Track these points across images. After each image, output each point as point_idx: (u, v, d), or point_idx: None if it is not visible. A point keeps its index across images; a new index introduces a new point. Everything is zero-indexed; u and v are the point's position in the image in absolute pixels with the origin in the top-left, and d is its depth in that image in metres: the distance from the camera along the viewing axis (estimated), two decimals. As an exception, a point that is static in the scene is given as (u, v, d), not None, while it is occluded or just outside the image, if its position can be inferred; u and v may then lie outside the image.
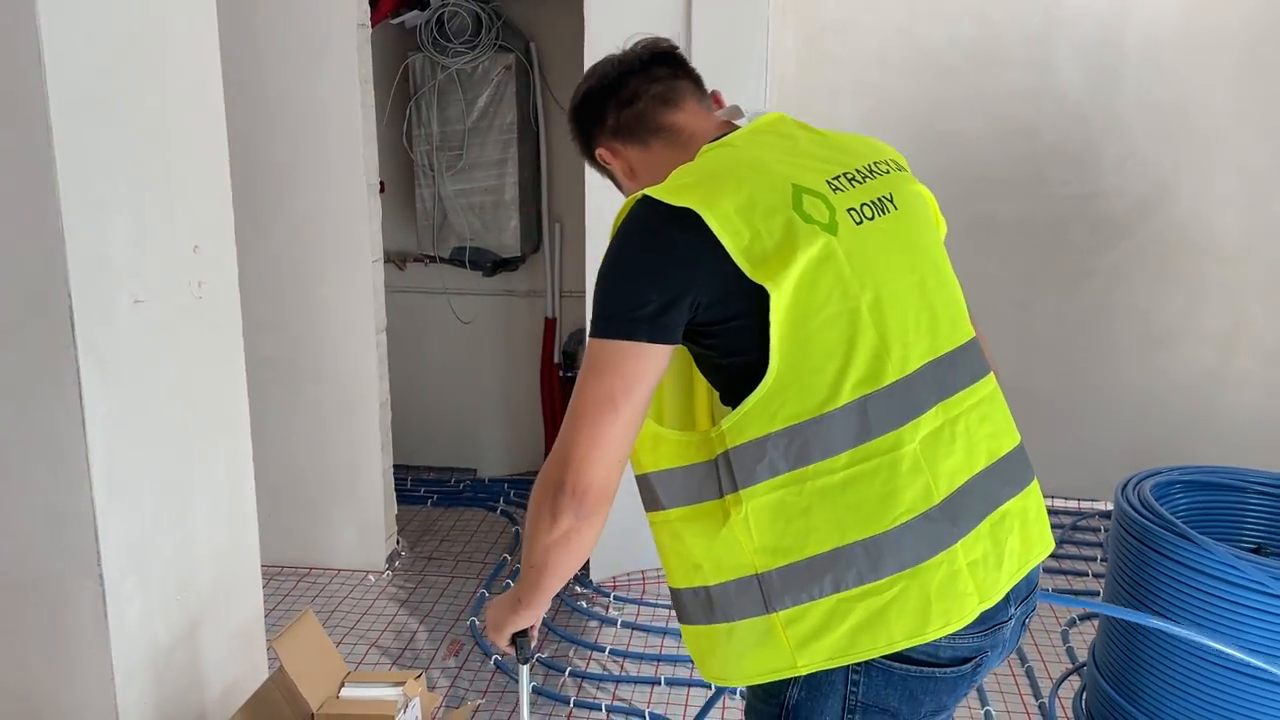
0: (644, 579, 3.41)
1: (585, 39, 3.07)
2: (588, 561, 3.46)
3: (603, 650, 3.02)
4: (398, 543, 3.68)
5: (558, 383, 4.27)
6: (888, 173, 1.36)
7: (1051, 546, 1.39)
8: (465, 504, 4.15)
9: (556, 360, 4.26)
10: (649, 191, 1.24)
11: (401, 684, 2.03)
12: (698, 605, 1.31)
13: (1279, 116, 3.69)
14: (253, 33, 3.18)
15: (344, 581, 3.48)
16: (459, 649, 3.07)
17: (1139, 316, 3.91)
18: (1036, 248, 3.93)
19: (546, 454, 4.37)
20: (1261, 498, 2.38)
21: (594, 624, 3.20)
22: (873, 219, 1.28)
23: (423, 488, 4.25)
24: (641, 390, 1.22)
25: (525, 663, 1.55)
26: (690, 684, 2.87)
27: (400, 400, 4.15)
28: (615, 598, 3.33)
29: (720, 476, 1.24)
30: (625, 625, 3.18)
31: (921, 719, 1.28)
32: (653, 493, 1.32)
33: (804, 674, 1.24)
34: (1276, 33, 3.63)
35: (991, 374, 1.38)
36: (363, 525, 3.52)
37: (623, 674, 2.93)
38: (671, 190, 1.23)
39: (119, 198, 1.81)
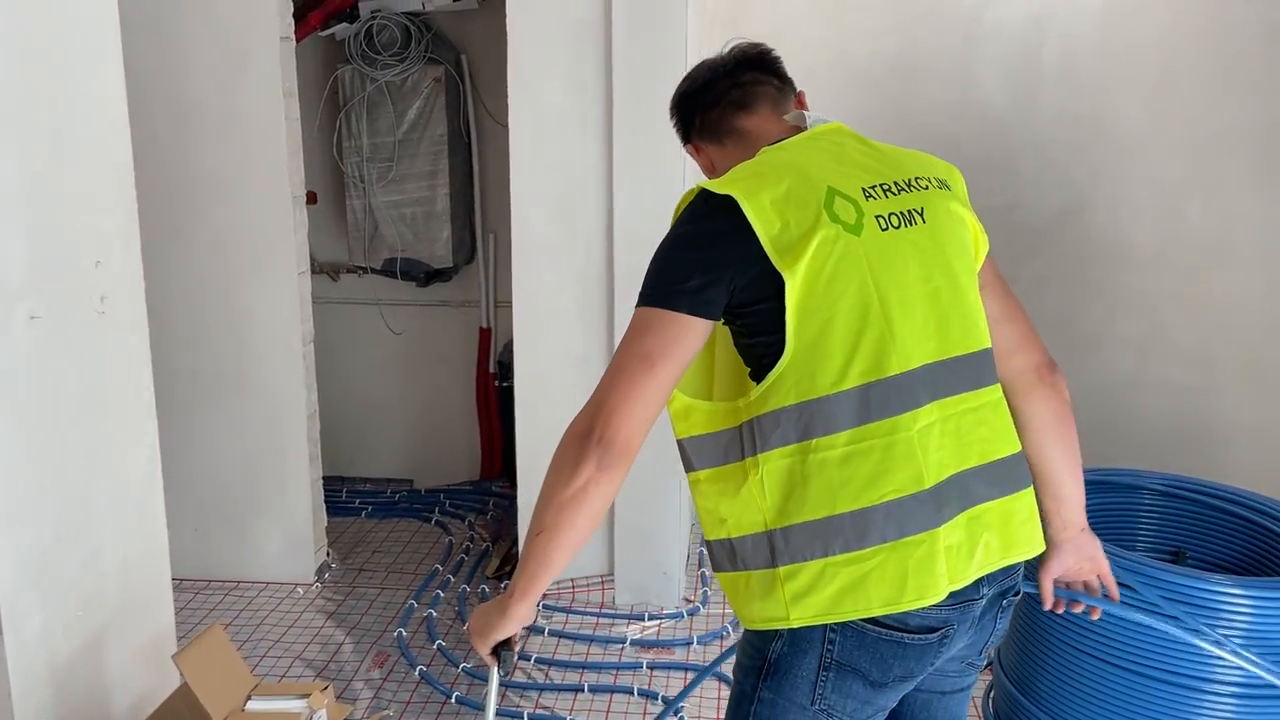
0: (574, 587, 3.43)
1: (508, 55, 3.10)
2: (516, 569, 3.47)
3: (528, 659, 3.04)
4: (328, 554, 3.68)
5: (494, 392, 4.29)
6: (926, 189, 1.47)
7: (1040, 548, 1.50)
8: (400, 515, 4.15)
9: (492, 370, 4.28)
10: (702, 183, 1.40)
11: (307, 696, 2.04)
12: (724, 554, 1.44)
13: (1190, 130, 3.80)
14: (176, 46, 3.18)
15: (271, 594, 3.47)
16: (384, 660, 3.07)
17: (1059, 324, 4.00)
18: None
19: (484, 464, 4.45)
20: (1155, 497, 2.46)
21: (521, 632, 3.21)
22: (899, 228, 1.40)
23: (357, 499, 4.25)
24: (677, 357, 1.33)
25: (506, 675, 1.56)
26: (613, 690, 2.90)
27: (336, 412, 4.15)
28: (544, 606, 3.35)
29: (743, 442, 1.38)
30: (553, 634, 3.20)
31: (890, 683, 1.39)
32: (686, 456, 1.47)
33: (794, 626, 1.36)
34: (1186, 50, 3.74)
35: (998, 385, 1.48)
36: (291, 537, 3.51)
37: (547, 682, 2.95)
38: (722, 182, 1.38)
39: (12, 215, 1.81)
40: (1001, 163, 3.87)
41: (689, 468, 1.48)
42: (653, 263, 1.39)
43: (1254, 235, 3.85)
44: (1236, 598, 1.99)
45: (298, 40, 3.63)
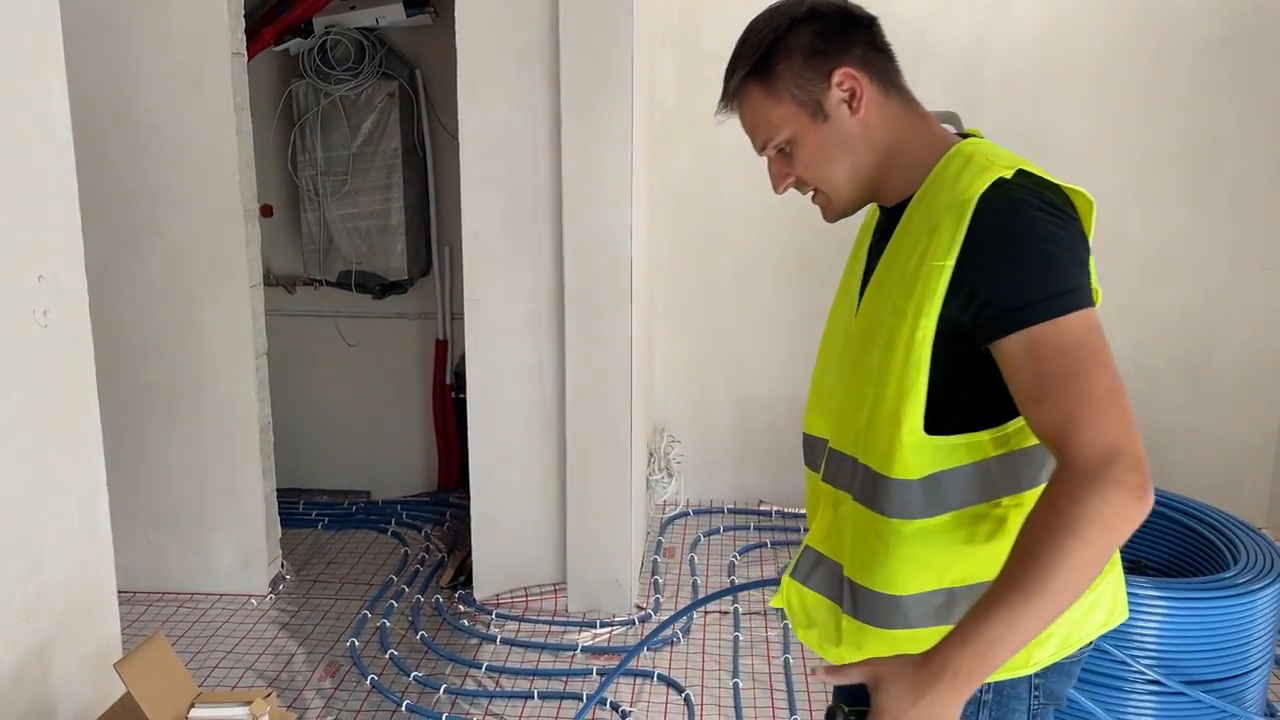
0: (526, 595, 3.47)
1: (458, 71, 3.15)
2: (470, 578, 3.51)
3: (479, 667, 3.08)
4: (283, 566, 3.69)
5: (450, 404, 4.33)
6: None
7: None
8: (357, 526, 4.17)
9: (449, 381, 4.32)
10: (1031, 171, 1.21)
11: (249, 703, 2.06)
12: (934, 606, 1.30)
13: (1127, 146, 3.91)
14: (127, 62, 3.20)
15: (225, 606, 3.48)
16: (336, 670, 3.10)
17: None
18: (908, 269, 4.10)
19: (441, 475, 4.48)
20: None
21: (474, 641, 3.26)
22: None
23: (314, 511, 4.26)
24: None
25: None
26: (563, 696, 2.94)
27: (293, 424, 4.16)
28: (498, 615, 3.39)
29: (999, 480, 1.24)
30: (505, 642, 3.24)
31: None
32: (913, 497, 1.25)
33: (1036, 670, 1.28)
34: (1122, 69, 3.86)
35: None
36: (245, 549, 3.53)
37: (497, 689, 2.99)
38: (1057, 182, 1.23)
39: (-45, 229, 1.84)
40: (946, 177, 3.96)
41: (908, 513, 1.24)
42: (1040, 261, 1.15)
43: (1190, 247, 3.96)
44: (1153, 599, 2.07)
45: (251, 55, 3.67)
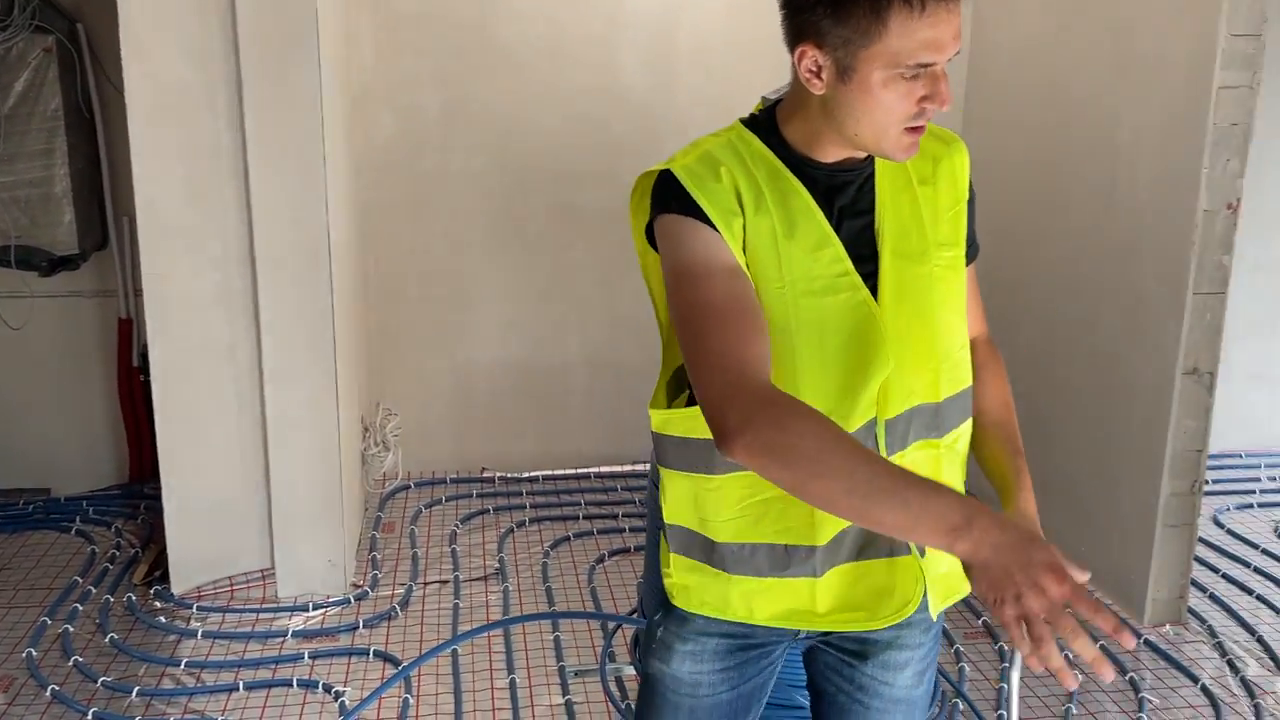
0: (231, 585, 3.29)
1: (119, 23, 2.89)
2: (167, 573, 3.28)
3: (178, 664, 2.89)
4: (-57, 577, 3.30)
5: (139, 387, 4.00)
6: None
7: None
8: (34, 527, 3.79)
9: (135, 363, 3.99)
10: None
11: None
12: None
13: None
14: None
15: None
16: (9, 685, 2.81)
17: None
18: (615, 233, 4.19)
19: (133, 465, 4.15)
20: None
21: (172, 638, 3.06)
22: None
23: (-18, 514, 3.83)
24: None
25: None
26: (271, 685, 2.82)
27: (-55, 419, 3.71)
28: (199, 608, 3.19)
29: None
30: (208, 636, 3.06)
31: None
32: None
33: None
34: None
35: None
36: (-109, 563, 3.12)
37: (198, 685, 2.82)
38: None
39: None
40: (646, 144, 4.08)
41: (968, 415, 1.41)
42: None
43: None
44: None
45: None
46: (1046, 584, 0.97)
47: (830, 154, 1.29)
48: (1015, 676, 1.59)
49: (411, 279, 4.14)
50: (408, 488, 4.16)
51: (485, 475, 4.25)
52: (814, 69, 1.22)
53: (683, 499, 1.37)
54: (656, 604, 1.48)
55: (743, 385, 1.14)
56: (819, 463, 1.08)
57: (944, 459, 1.35)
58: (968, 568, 1.05)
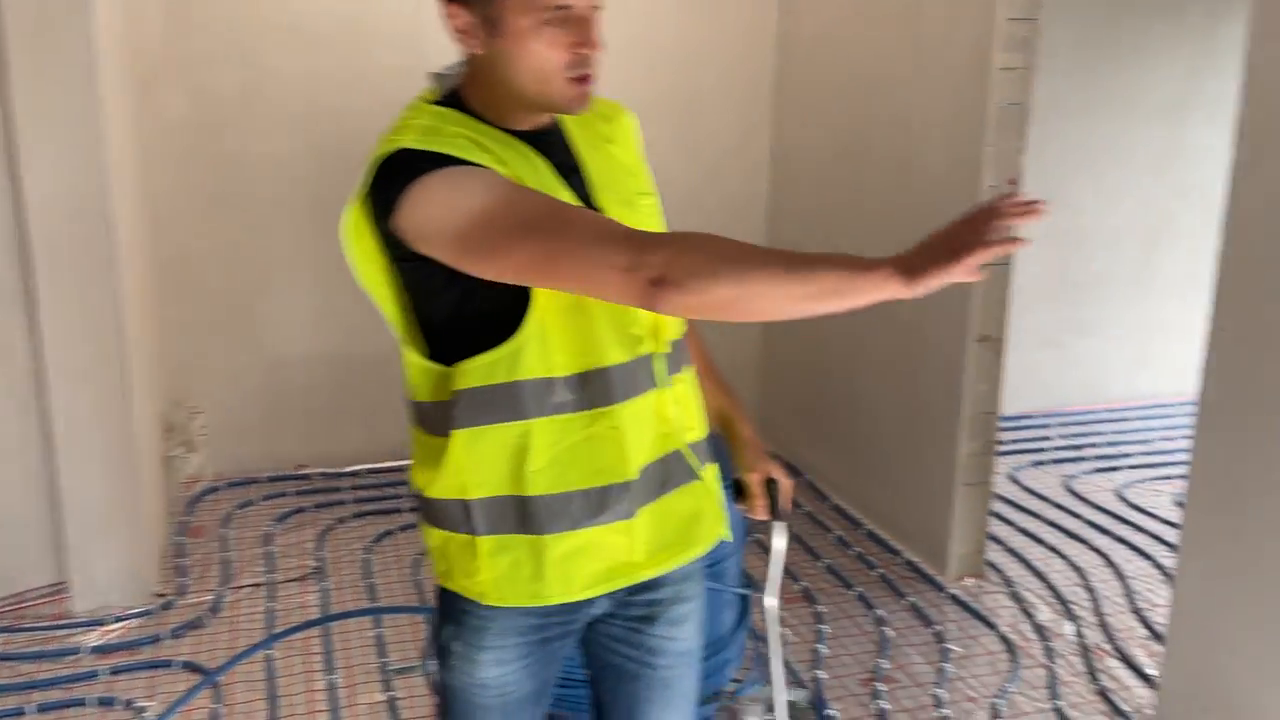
0: (20, 603, 3.05)
1: None
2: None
3: (-45, 694, 2.66)
4: None
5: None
6: None
7: None
8: None
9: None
10: None
11: None
12: None
13: (622, 98, 4.21)
14: None
15: None
16: None
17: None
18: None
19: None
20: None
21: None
22: None
23: None
24: None
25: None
26: (65, 705, 2.63)
27: None
28: (-19, 631, 2.95)
29: None
30: (-6, 659, 2.83)
31: None
32: None
33: None
34: (615, 23, 4.13)
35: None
36: None
37: (-20, 714, 2.61)
38: None
39: None
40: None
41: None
42: None
43: (680, 191, 4.37)
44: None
45: None
46: (976, 219, 1.07)
47: (520, 120, 1.34)
48: (780, 544, 1.74)
49: (212, 269, 3.93)
50: (218, 488, 3.96)
51: (302, 472, 4.10)
52: (465, 28, 1.28)
53: (488, 459, 1.31)
54: (439, 622, 1.48)
55: (637, 235, 1.18)
56: (748, 261, 1.11)
57: (692, 387, 1.48)
58: (919, 274, 1.11)
